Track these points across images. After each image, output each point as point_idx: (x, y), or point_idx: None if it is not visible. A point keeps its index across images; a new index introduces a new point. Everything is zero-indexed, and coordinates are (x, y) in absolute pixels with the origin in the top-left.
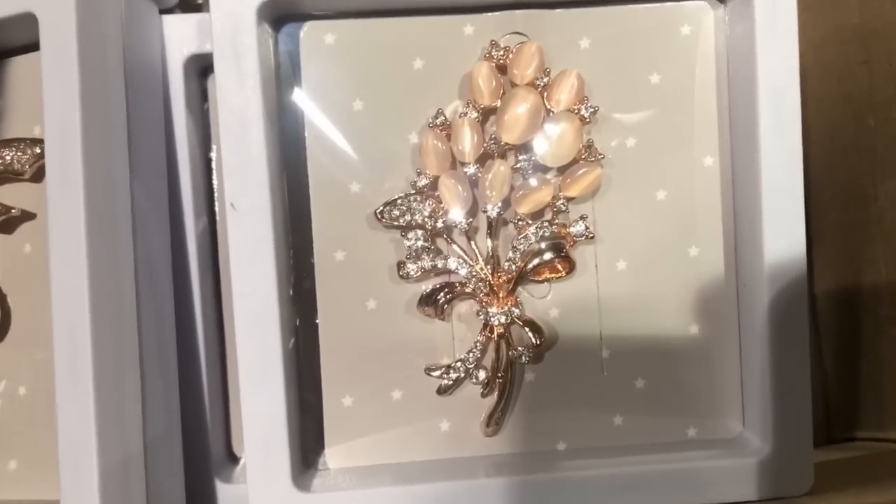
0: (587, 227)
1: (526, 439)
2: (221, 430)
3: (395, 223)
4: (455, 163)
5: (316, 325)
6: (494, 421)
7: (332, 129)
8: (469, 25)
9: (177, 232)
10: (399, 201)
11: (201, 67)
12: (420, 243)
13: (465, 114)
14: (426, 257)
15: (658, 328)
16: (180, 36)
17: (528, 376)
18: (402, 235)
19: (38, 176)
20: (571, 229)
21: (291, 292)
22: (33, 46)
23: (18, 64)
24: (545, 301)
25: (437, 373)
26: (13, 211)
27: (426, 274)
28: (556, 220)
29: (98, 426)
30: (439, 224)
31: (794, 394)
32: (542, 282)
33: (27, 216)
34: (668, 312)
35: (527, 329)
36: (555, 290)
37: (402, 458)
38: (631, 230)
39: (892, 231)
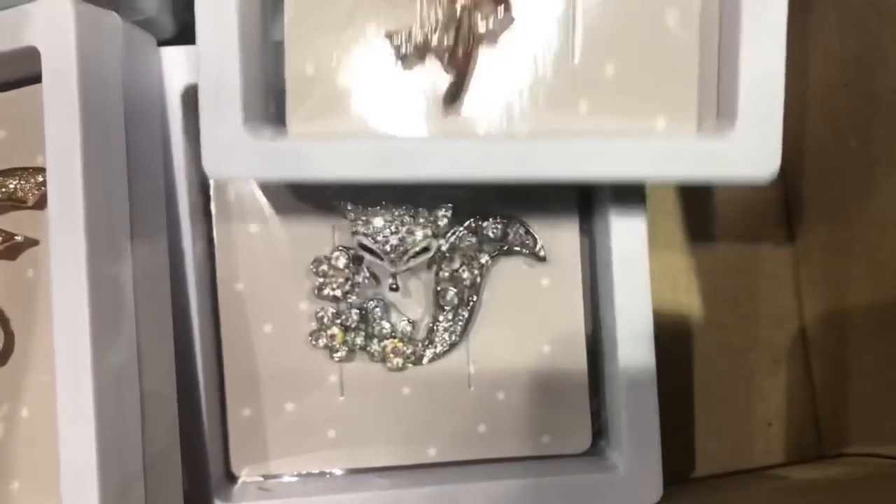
0: None
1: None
2: (220, 450)
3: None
4: None
5: None
6: (451, 96)
7: None
8: None
9: (175, 256)
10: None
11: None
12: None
13: None
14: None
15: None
16: (178, 66)
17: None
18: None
19: (41, 203)
20: None
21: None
22: (36, 79)
23: (23, 96)
24: None
25: (399, 39)
26: (17, 237)
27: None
28: None
29: (98, 447)
30: None
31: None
32: None
33: (30, 242)
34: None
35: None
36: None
37: None
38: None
39: (876, 249)
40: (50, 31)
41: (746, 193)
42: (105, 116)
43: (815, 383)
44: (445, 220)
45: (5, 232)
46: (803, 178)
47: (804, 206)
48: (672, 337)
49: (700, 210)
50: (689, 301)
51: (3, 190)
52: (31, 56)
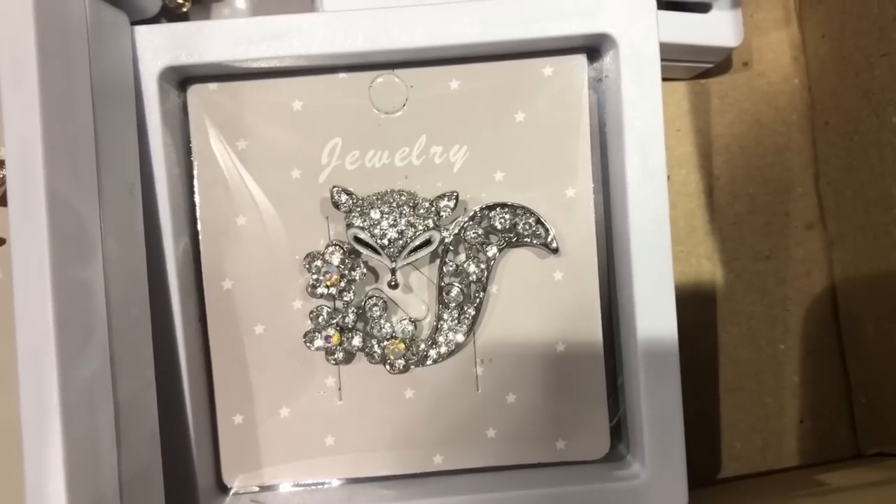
0: None
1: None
2: (210, 460)
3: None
4: None
5: None
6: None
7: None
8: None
9: (155, 253)
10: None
11: (178, 80)
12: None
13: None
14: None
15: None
16: (154, 47)
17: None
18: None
19: (7, 199)
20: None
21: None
22: None
23: None
24: None
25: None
26: None
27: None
28: None
29: (67, 466)
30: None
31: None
32: None
33: None
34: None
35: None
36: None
37: None
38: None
39: None
40: (5, 7)
41: (774, 171)
42: (70, 103)
43: (850, 377)
44: (448, 211)
45: None
46: (837, 156)
47: (838, 186)
48: (696, 328)
49: (724, 191)
50: (713, 290)
51: None
52: None
